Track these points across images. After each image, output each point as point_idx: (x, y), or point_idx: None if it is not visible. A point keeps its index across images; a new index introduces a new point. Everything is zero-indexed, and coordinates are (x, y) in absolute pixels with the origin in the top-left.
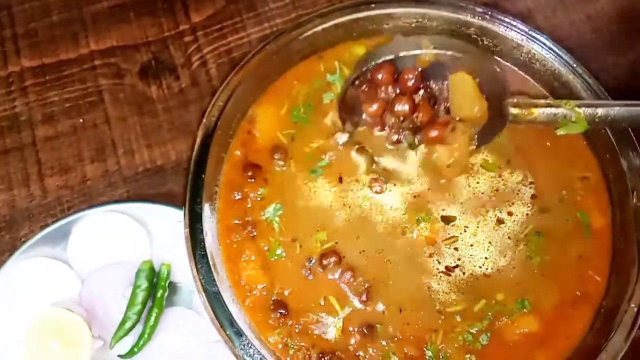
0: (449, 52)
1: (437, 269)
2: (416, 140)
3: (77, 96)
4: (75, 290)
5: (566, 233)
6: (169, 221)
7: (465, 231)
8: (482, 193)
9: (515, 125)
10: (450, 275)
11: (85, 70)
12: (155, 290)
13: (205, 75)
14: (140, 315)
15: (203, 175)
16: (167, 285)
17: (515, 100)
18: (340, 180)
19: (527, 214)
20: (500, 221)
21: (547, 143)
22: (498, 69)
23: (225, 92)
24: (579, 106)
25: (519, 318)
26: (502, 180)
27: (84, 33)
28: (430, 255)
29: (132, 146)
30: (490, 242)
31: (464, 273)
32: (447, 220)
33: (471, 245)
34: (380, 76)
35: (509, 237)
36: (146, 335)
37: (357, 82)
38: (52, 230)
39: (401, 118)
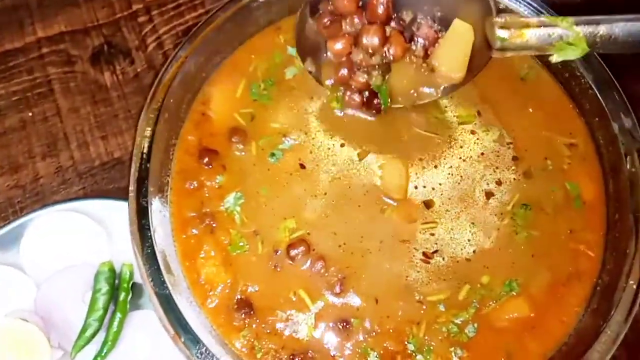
0: None
1: (414, 255)
2: (384, 80)
3: (24, 88)
4: (31, 297)
5: (555, 206)
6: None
7: (446, 212)
8: (465, 160)
9: (501, 54)
10: (429, 262)
11: (32, 59)
12: (117, 293)
13: (162, 58)
14: (102, 321)
15: (148, 165)
16: (129, 287)
17: (503, 19)
18: (302, 166)
19: (513, 179)
20: (489, 194)
21: (530, 109)
22: None
23: (172, 70)
24: (577, 24)
25: (507, 302)
26: (478, 139)
27: (29, 20)
28: (405, 242)
29: (86, 138)
30: (473, 223)
31: (443, 258)
32: (428, 205)
33: (451, 228)
34: (343, 3)
35: (495, 215)
36: (110, 342)
37: (317, 15)
38: (3, 233)
39: (370, 51)
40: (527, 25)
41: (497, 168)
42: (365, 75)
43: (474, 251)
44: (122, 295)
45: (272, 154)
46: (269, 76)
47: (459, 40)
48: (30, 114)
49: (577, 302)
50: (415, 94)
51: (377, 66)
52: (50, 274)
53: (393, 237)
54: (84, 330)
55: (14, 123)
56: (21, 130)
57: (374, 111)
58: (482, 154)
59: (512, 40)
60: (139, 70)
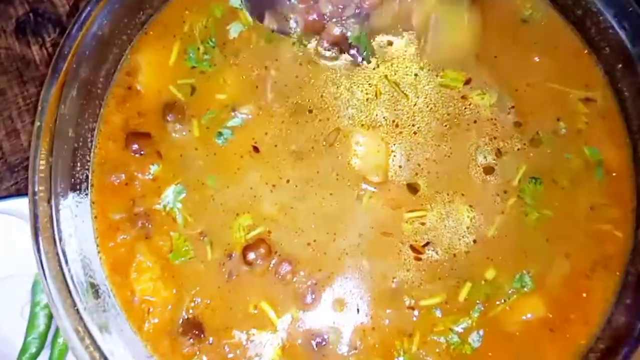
0: None
1: (401, 251)
2: (363, 32)
3: None
4: None
5: (571, 177)
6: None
7: (436, 195)
8: (445, 121)
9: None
10: (420, 259)
11: None
12: None
13: None
14: (45, 338)
15: (50, 159)
16: None
17: None
18: (256, 149)
19: (517, 149)
20: (488, 170)
21: (535, 58)
22: None
23: (80, 33)
24: None
25: (519, 301)
26: (470, 106)
27: None
28: (388, 235)
29: (15, 125)
30: (471, 206)
31: (437, 252)
32: (413, 188)
33: (445, 215)
34: None
35: (497, 194)
36: None
37: None
38: None
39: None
40: None
41: (494, 138)
42: (341, 28)
43: (474, 241)
44: None
45: (219, 134)
46: (209, 36)
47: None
48: None
49: (605, 296)
50: None
51: (352, 16)
52: None
53: (373, 230)
54: (24, 349)
55: None
56: None
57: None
58: (475, 121)
59: None
60: None
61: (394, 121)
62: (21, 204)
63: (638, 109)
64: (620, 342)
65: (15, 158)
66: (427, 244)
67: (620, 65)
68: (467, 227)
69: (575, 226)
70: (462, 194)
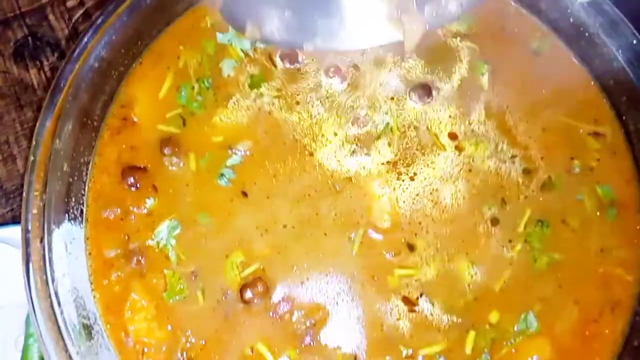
0: None
1: (390, 299)
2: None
3: None
4: None
5: (583, 219)
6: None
7: (435, 255)
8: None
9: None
10: (414, 310)
11: None
12: None
13: None
14: None
15: (44, 195)
16: None
17: None
18: (245, 194)
19: (525, 197)
20: (494, 222)
21: (543, 90)
22: None
23: (77, 64)
24: None
25: (524, 342)
26: (472, 162)
27: None
28: (376, 281)
29: (12, 150)
30: (472, 262)
31: (433, 304)
32: (411, 247)
33: (442, 273)
34: None
35: (503, 245)
36: None
37: None
38: None
39: None
40: None
41: (501, 187)
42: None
43: (475, 298)
44: None
45: (222, 175)
46: (204, 76)
47: None
48: None
49: (612, 338)
50: None
51: None
52: None
53: (364, 275)
54: None
55: None
56: None
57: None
58: (470, 170)
59: None
60: None
61: (399, 171)
62: (17, 232)
63: None
64: None
65: (12, 184)
66: (421, 295)
67: (624, 98)
68: (468, 284)
69: (585, 270)
70: (467, 253)
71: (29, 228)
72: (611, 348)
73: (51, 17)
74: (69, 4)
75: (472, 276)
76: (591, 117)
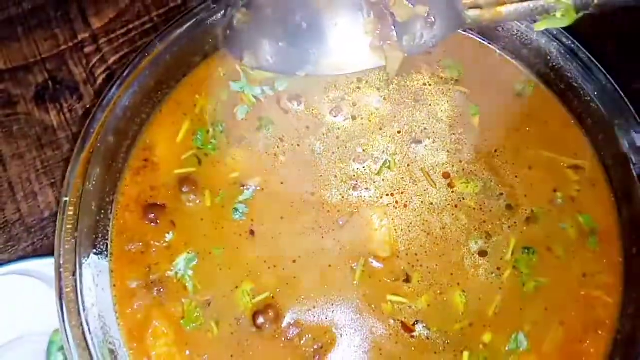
0: None
1: (390, 324)
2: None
3: None
4: None
5: (566, 247)
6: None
7: (430, 288)
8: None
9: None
10: (413, 336)
11: None
12: None
13: None
14: None
15: (75, 233)
16: None
17: None
18: (252, 232)
19: (508, 227)
20: (482, 254)
21: (528, 128)
22: None
23: (104, 112)
24: None
25: None
26: (463, 199)
27: None
28: (375, 308)
29: (33, 187)
30: (464, 291)
31: (429, 329)
32: (406, 279)
33: (436, 304)
34: None
35: (492, 273)
36: None
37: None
38: None
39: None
40: (504, 3)
41: (483, 222)
42: None
43: (470, 324)
44: None
45: (235, 210)
46: (219, 120)
47: None
48: None
49: (597, 357)
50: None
51: None
52: None
53: (364, 302)
54: None
55: None
56: None
57: None
58: (456, 206)
59: (484, 19)
60: (88, 106)
61: (396, 200)
62: (37, 265)
63: (620, 177)
64: None
65: (32, 219)
66: (417, 322)
67: (601, 136)
68: (462, 313)
69: (570, 293)
70: (458, 283)
71: (62, 262)
72: None
73: (70, 62)
74: (87, 50)
75: (464, 304)
76: (571, 152)
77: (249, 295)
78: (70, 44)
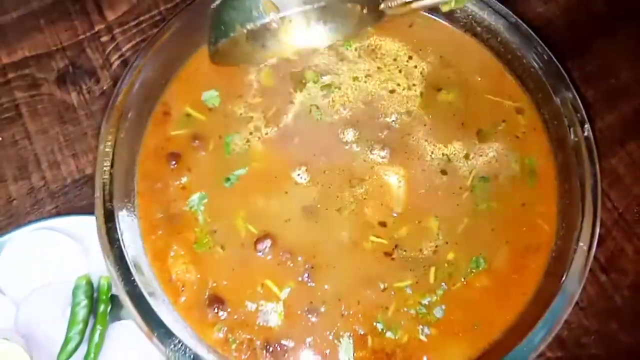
0: None
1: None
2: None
3: None
4: (10, 317)
5: (510, 179)
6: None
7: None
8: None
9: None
10: (393, 259)
11: None
12: (97, 305)
13: None
14: (84, 334)
15: (111, 171)
16: (108, 299)
17: None
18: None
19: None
20: (444, 172)
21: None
22: None
23: (129, 79)
24: None
25: (474, 278)
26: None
27: None
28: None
29: (56, 158)
30: (436, 216)
31: (405, 251)
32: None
33: (415, 232)
34: None
35: (454, 193)
36: (92, 355)
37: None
38: None
39: None
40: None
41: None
42: None
43: (446, 242)
44: (101, 308)
45: (227, 179)
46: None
47: None
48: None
49: (536, 271)
50: None
51: None
52: (29, 292)
53: (351, 234)
54: (65, 344)
55: None
56: None
57: None
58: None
59: (395, 11)
60: (104, 88)
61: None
62: (61, 222)
63: (555, 126)
64: (546, 300)
65: (56, 185)
66: (396, 246)
67: (540, 95)
68: (437, 234)
69: (513, 217)
70: (435, 216)
71: (100, 195)
72: (536, 278)
73: (88, 50)
74: (103, 39)
75: (438, 227)
76: (516, 101)
77: (249, 225)
78: (88, 34)
